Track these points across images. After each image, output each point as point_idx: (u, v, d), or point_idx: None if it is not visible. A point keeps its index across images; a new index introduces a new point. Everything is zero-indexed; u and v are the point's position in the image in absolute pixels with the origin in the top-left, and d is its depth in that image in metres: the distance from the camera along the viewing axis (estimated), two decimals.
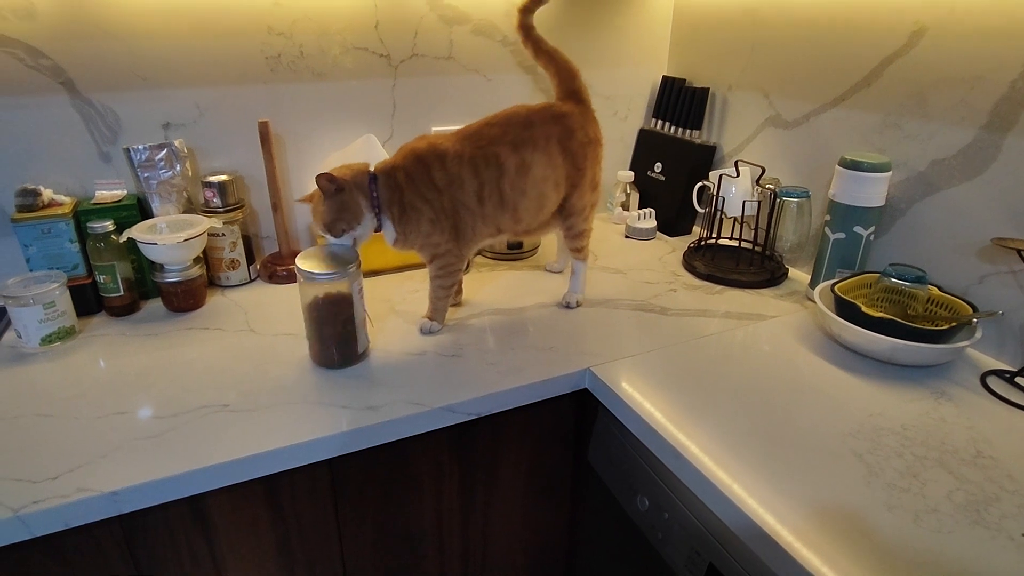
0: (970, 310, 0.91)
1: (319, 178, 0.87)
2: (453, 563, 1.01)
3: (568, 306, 1.10)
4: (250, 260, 1.20)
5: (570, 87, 1.05)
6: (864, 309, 0.91)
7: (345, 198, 0.89)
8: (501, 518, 1.02)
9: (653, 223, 1.44)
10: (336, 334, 0.89)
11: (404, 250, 0.99)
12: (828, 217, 1.07)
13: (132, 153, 1.08)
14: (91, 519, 0.68)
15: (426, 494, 0.93)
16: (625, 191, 1.51)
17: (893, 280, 0.97)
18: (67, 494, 0.67)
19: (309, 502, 0.84)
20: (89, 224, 1.00)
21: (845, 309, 0.94)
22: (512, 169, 0.96)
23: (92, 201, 1.07)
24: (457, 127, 1.34)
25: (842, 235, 1.05)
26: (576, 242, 1.08)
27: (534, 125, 0.98)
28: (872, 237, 1.05)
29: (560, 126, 0.99)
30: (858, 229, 1.04)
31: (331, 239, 0.91)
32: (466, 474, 0.95)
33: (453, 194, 0.95)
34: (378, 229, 0.95)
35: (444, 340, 0.99)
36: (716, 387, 0.87)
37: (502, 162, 0.95)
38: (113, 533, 0.74)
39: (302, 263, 0.86)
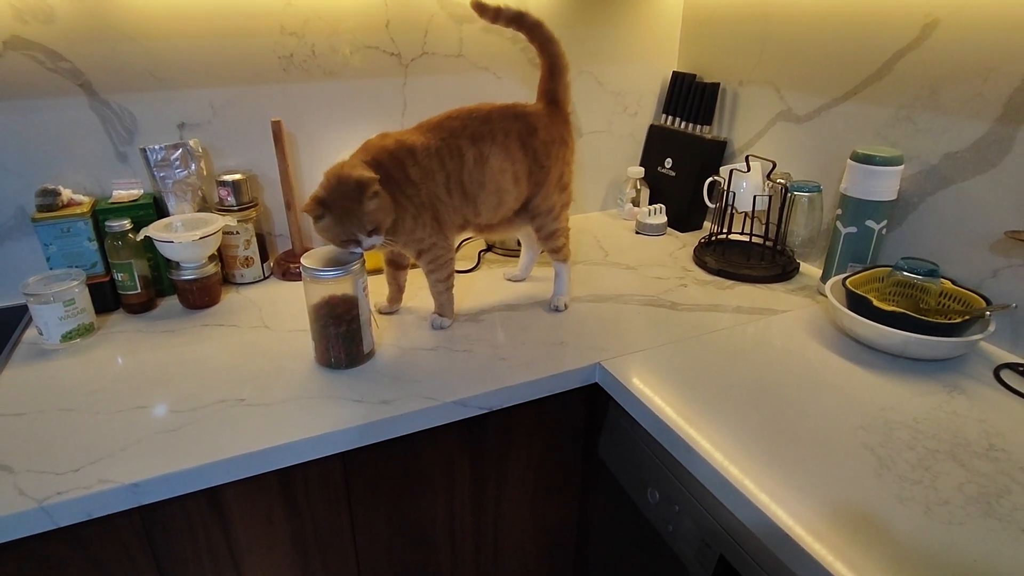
0: (983, 303, 0.91)
1: (367, 190, 0.83)
2: (465, 555, 1.02)
3: (556, 310, 1.08)
4: (264, 258, 1.21)
5: (547, 86, 1.04)
6: (876, 303, 0.91)
7: (383, 197, 0.87)
8: (512, 511, 1.03)
9: (663, 219, 1.44)
10: (342, 334, 0.89)
11: (383, 250, 0.98)
12: (840, 211, 1.07)
13: (148, 153, 1.10)
14: (112, 510, 0.70)
15: (437, 488, 0.94)
16: (635, 187, 1.51)
17: (905, 274, 0.97)
18: (89, 485, 0.69)
19: (323, 495, 0.85)
20: (107, 223, 1.02)
21: (857, 303, 0.94)
22: (471, 161, 0.96)
23: (110, 200, 1.09)
24: None
25: (854, 229, 1.05)
26: (550, 243, 1.07)
27: (492, 120, 0.98)
28: (884, 231, 1.05)
29: (521, 123, 0.99)
30: (870, 223, 1.03)
31: (369, 241, 0.87)
32: (477, 468, 0.96)
33: (428, 186, 0.94)
34: None
35: (455, 335, 1.00)
36: (727, 381, 0.87)
37: (463, 154, 0.95)
38: (133, 524, 0.75)
39: (308, 262, 0.86)
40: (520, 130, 0.99)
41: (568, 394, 0.97)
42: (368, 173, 0.85)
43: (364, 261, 0.89)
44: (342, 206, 0.84)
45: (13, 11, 0.98)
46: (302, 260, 0.87)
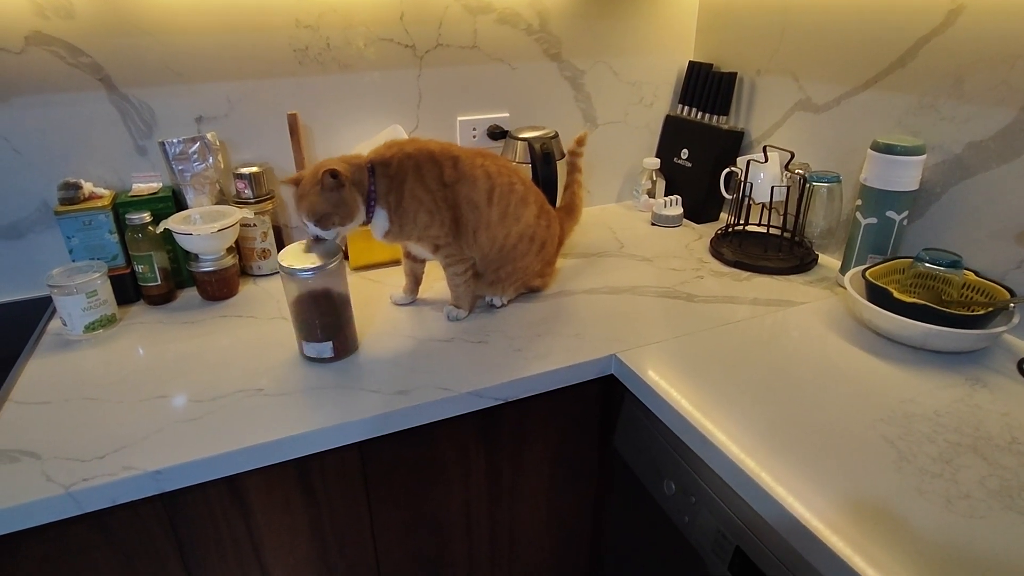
0: (1007, 295, 0.89)
1: (324, 175, 0.85)
2: (481, 545, 1.03)
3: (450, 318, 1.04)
4: (280, 249, 1.22)
5: (562, 222, 1.14)
6: (896, 295, 0.90)
7: (344, 195, 0.88)
8: (527, 502, 1.03)
9: (679, 210, 1.43)
10: (323, 327, 0.89)
11: (395, 243, 0.99)
12: (859, 202, 1.05)
13: (167, 146, 1.11)
14: (136, 496, 0.71)
15: (453, 478, 0.95)
16: (651, 178, 1.50)
17: (927, 265, 0.95)
18: (114, 472, 0.70)
19: (340, 484, 0.86)
20: (127, 216, 1.04)
21: (877, 295, 0.92)
22: (519, 194, 1.00)
23: (130, 193, 1.11)
24: (484, 116, 1.37)
25: (874, 220, 1.03)
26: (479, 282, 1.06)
27: (534, 192, 1.04)
28: (905, 222, 1.03)
29: (547, 207, 1.07)
30: (891, 214, 1.02)
31: (314, 229, 0.89)
32: (493, 459, 0.96)
33: (459, 189, 0.95)
34: (367, 222, 0.94)
35: (470, 326, 1.00)
36: (744, 373, 0.87)
37: (514, 185, 0.99)
38: (156, 511, 0.77)
39: (285, 259, 0.86)
40: (547, 211, 1.06)
41: (584, 385, 0.97)
42: (343, 175, 0.87)
43: (342, 256, 0.89)
44: (303, 188, 0.88)
45: (34, 7, 0.99)
46: (279, 258, 0.87)
